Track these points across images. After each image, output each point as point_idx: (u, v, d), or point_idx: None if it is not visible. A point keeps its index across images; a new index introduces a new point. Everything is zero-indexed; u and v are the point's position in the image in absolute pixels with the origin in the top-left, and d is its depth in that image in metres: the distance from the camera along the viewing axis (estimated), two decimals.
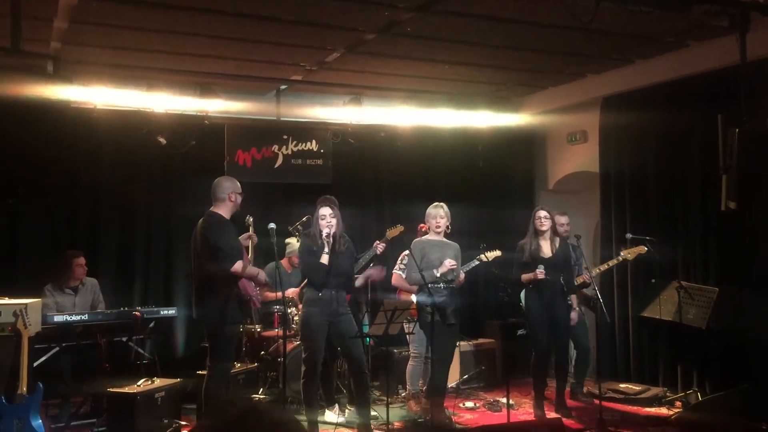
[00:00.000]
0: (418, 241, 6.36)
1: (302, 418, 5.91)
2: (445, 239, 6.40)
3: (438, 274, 6.10)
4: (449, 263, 6.15)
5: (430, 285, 5.91)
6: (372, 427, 5.86)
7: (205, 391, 5.38)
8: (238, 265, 5.31)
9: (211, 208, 5.52)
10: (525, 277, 6.44)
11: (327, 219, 5.75)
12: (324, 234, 5.70)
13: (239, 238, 5.68)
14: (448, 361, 6.42)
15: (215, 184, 5.59)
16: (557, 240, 6.56)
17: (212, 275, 5.32)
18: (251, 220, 6.31)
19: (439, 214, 6.36)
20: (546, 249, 6.51)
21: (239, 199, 5.56)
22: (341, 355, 6.12)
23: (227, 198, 5.50)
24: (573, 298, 6.84)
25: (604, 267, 6.90)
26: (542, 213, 6.56)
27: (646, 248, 6.70)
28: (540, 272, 6.31)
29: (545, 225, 6.49)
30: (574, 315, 6.79)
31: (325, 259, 5.67)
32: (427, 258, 6.16)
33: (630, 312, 7.54)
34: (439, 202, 6.48)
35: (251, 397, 5.62)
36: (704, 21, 5.97)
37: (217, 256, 5.30)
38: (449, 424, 6.07)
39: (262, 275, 5.67)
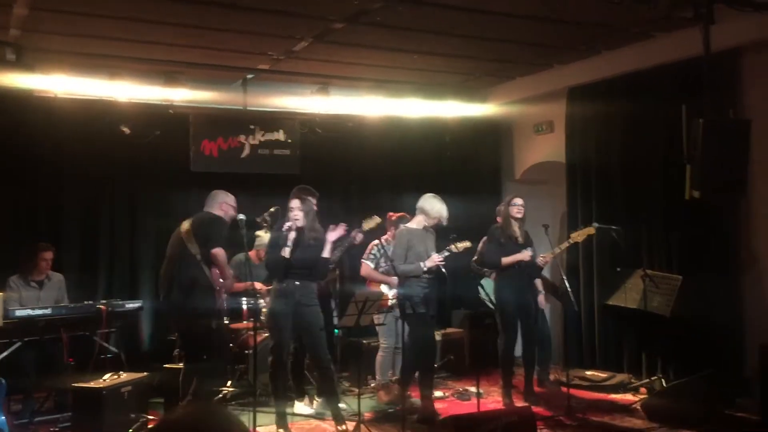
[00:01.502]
0: (405, 231, 6.25)
1: (271, 410, 5.88)
2: (425, 229, 6.36)
3: (425, 268, 6.08)
4: (437, 258, 6.14)
5: (418, 277, 5.96)
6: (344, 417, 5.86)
7: (180, 387, 5.37)
8: (220, 251, 5.47)
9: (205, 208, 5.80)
10: (506, 260, 6.44)
11: (294, 212, 5.71)
12: (285, 227, 5.67)
13: None
14: (431, 350, 6.42)
15: (210, 196, 5.92)
16: (522, 227, 6.64)
17: (192, 268, 5.39)
18: (243, 218, 5.75)
19: (444, 215, 6.24)
20: (518, 233, 6.58)
21: (231, 211, 5.83)
22: (307, 351, 6.07)
23: (219, 207, 5.82)
24: (538, 283, 6.97)
25: (556, 250, 6.97)
26: (519, 201, 6.62)
27: (594, 230, 6.78)
28: (527, 253, 6.36)
29: (522, 212, 6.56)
30: (542, 298, 6.95)
31: (286, 252, 5.61)
32: (414, 249, 6.11)
33: (596, 300, 7.64)
34: (426, 192, 6.39)
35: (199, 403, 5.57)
36: (670, 12, 6.04)
37: (206, 239, 5.53)
38: (436, 415, 6.04)
39: (232, 284, 5.99)
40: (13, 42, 6.03)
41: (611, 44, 7.13)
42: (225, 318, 6.81)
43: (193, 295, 5.49)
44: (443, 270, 6.32)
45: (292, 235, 5.64)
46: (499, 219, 6.82)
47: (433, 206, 6.27)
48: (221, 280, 5.76)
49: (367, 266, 6.75)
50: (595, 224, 6.93)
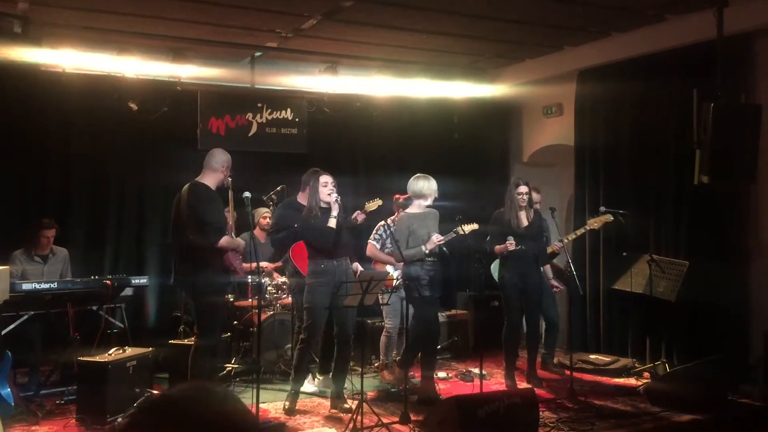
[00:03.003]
0: (405, 217, 6.20)
1: (274, 387, 5.92)
2: (425, 209, 6.33)
3: (427, 251, 6.06)
4: (437, 239, 6.12)
5: (420, 260, 5.96)
6: (345, 396, 5.89)
7: (190, 363, 5.36)
8: (224, 240, 5.26)
9: (198, 178, 5.38)
10: (498, 248, 6.45)
11: (329, 186, 5.76)
12: (334, 198, 5.71)
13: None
14: (435, 333, 6.43)
15: (211, 155, 5.47)
16: (532, 211, 6.58)
17: (197, 247, 5.25)
18: (249, 195, 5.47)
19: (434, 189, 6.22)
20: (523, 219, 6.51)
21: (228, 175, 5.49)
22: (336, 323, 6.06)
23: (220, 170, 5.40)
24: (547, 269, 6.88)
25: (571, 236, 6.94)
26: (523, 189, 6.45)
27: (612, 217, 6.74)
28: (510, 243, 6.32)
29: (525, 200, 6.48)
30: (555, 283, 6.93)
31: (332, 222, 5.68)
32: (415, 234, 6.09)
33: (601, 284, 7.62)
34: (418, 173, 6.33)
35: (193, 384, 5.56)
36: None
37: (205, 230, 5.20)
38: (436, 396, 6.07)
39: (242, 244, 5.69)
40: (20, 15, 6.00)
41: (622, 26, 7.06)
42: (228, 295, 6.83)
43: (187, 272, 5.44)
44: (445, 250, 6.32)
45: (337, 207, 5.71)
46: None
47: (423, 185, 6.19)
48: (238, 257, 5.67)
49: (372, 246, 6.75)
50: (603, 208, 6.90)
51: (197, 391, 1.46)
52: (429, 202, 6.23)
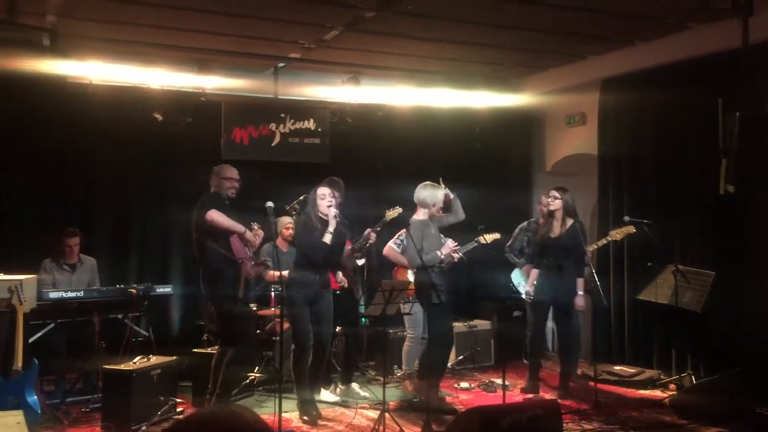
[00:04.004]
0: (418, 223, 6.19)
1: (294, 397, 5.94)
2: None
3: (442, 256, 6.06)
4: (452, 244, 6.12)
5: (434, 266, 5.95)
6: (362, 406, 5.90)
7: (212, 372, 5.45)
8: (214, 214, 5.47)
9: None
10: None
11: (327, 199, 5.77)
12: (332, 214, 5.75)
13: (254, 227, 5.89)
14: (450, 342, 6.42)
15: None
16: (568, 221, 6.52)
17: (201, 240, 5.40)
18: (272, 205, 5.44)
19: (439, 198, 6.21)
20: (555, 229, 6.50)
21: (225, 184, 5.81)
22: (312, 331, 6.09)
23: (211, 181, 5.87)
24: (580, 283, 6.57)
25: (593, 247, 6.88)
26: (553, 192, 6.55)
27: (634, 228, 6.67)
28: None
29: (552, 204, 6.49)
30: (580, 301, 6.53)
31: (327, 238, 5.72)
32: (429, 240, 6.10)
33: (626, 295, 7.55)
34: (433, 182, 6.33)
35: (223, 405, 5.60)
36: (707, 3, 5.93)
37: (197, 214, 5.55)
38: (441, 405, 6.08)
39: (249, 234, 5.77)
40: (48, 28, 6.10)
41: (646, 35, 7.02)
42: (250, 304, 6.89)
43: (211, 280, 5.55)
44: (463, 256, 6.31)
45: (334, 222, 5.73)
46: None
47: (430, 195, 6.16)
48: (246, 250, 5.75)
49: (390, 248, 6.77)
50: (627, 218, 6.85)
51: (226, 413, 1.48)
52: (434, 211, 6.19)
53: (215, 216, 5.46)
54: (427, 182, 6.27)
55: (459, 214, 6.30)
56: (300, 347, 5.79)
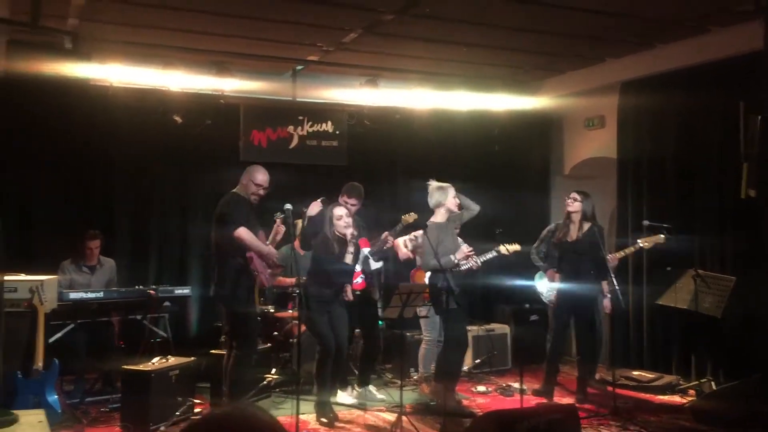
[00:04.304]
0: (434, 226, 6.18)
1: (313, 398, 5.95)
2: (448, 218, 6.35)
3: (456, 261, 6.05)
4: (467, 249, 6.12)
5: (450, 270, 5.94)
6: (378, 408, 5.89)
7: (228, 374, 5.46)
8: (242, 232, 5.40)
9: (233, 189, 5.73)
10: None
11: (344, 219, 5.82)
12: (349, 236, 5.84)
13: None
14: (464, 346, 6.42)
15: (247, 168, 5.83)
16: (586, 225, 6.49)
17: (221, 248, 5.40)
18: (290, 207, 5.57)
19: (450, 193, 6.24)
20: (573, 233, 6.48)
21: (251, 187, 5.69)
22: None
23: (244, 182, 5.72)
24: (604, 285, 6.56)
25: (620, 254, 6.82)
26: (573, 194, 6.54)
27: (664, 237, 6.59)
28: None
29: (571, 205, 6.46)
30: (607, 303, 6.55)
31: (349, 259, 5.87)
32: (443, 244, 6.09)
33: (644, 299, 7.49)
34: (448, 184, 6.32)
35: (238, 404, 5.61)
36: (728, 5, 5.88)
37: (221, 224, 5.48)
38: (458, 408, 6.07)
39: (273, 254, 5.72)
40: (70, 31, 6.16)
41: (666, 38, 6.97)
42: (267, 307, 6.92)
43: (218, 283, 5.57)
44: (478, 263, 6.30)
45: (352, 246, 5.88)
46: None
47: (443, 195, 6.20)
48: (264, 266, 5.75)
49: (398, 242, 6.79)
50: (646, 222, 6.81)
51: (242, 412, 1.49)
52: (450, 207, 6.22)
53: (244, 235, 5.42)
54: (430, 184, 6.30)
55: (471, 207, 6.33)
56: (323, 350, 5.82)
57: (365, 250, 6.47)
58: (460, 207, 6.32)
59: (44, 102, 5.75)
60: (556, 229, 6.66)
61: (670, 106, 7.27)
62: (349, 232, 5.82)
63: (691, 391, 6.69)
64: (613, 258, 6.54)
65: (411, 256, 6.80)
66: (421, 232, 6.63)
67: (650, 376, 7.10)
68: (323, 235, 5.90)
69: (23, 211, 7.12)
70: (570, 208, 6.52)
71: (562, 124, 9.09)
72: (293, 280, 6.69)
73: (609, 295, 6.55)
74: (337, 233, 5.86)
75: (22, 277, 5.53)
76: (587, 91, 8.28)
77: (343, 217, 5.86)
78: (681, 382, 6.94)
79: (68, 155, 7.16)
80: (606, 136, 8.26)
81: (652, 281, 7.40)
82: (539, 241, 6.90)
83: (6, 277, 5.16)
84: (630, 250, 6.69)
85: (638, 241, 6.66)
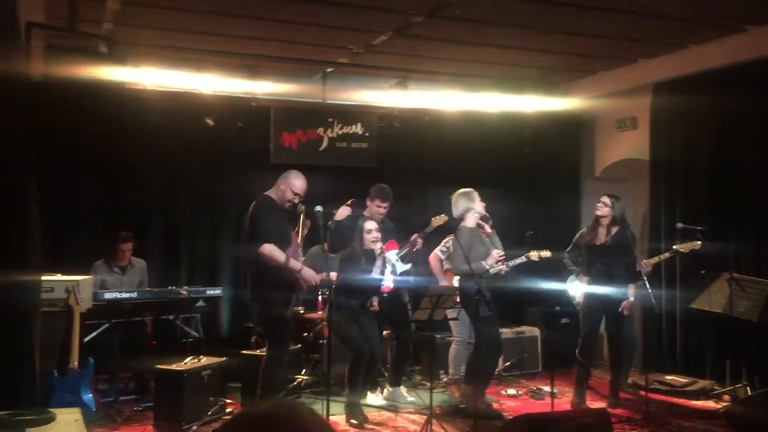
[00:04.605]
0: (465, 231, 6.16)
1: (343, 399, 5.97)
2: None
3: (487, 266, 6.04)
4: (498, 254, 6.10)
5: (480, 275, 5.93)
6: (408, 410, 5.90)
7: (261, 375, 5.50)
8: (267, 248, 5.32)
9: (266, 192, 5.67)
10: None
11: (373, 234, 5.85)
12: (378, 250, 5.92)
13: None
14: (498, 350, 6.40)
15: (285, 172, 5.75)
16: (614, 228, 6.42)
17: (253, 255, 5.41)
18: (303, 208, 6.14)
19: (475, 197, 6.25)
20: (601, 236, 6.41)
21: (288, 194, 5.60)
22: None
23: (281, 186, 5.63)
24: (630, 289, 6.48)
25: (655, 260, 6.71)
26: (603, 198, 6.46)
27: (700, 243, 6.49)
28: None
29: (600, 210, 6.40)
30: (626, 303, 6.45)
31: (377, 272, 5.93)
32: (476, 249, 6.07)
33: (678, 303, 7.38)
34: (468, 188, 6.34)
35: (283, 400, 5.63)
36: (763, 4, 5.78)
37: (251, 234, 5.42)
38: (488, 411, 6.05)
39: (308, 274, 5.54)
40: (106, 35, 6.27)
41: (699, 38, 6.87)
42: (297, 307, 6.94)
43: (254, 284, 5.56)
44: (508, 268, 6.28)
45: (381, 259, 5.97)
46: None
47: (471, 200, 6.23)
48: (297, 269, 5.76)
49: (434, 255, 6.78)
50: (680, 224, 6.71)
51: (282, 408, 1.49)
52: (479, 210, 6.24)
53: (267, 251, 5.32)
54: (459, 191, 6.33)
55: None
56: (357, 356, 5.86)
57: (393, 253, 6.47)
58: (488, 210, 6.30)
59: (80, 105, 5.84)
60: (582, 234, 6.59)
61: (704, 107, 7.16)
62: (378, 246, 5.86)
63: (726, 396, 6.58)
64: (647, 263, 6.46)
65: (440, 273, 6.80)
66: (451, 237, 6.64)
67: (684, 380, 7.01)
68: (351, 247, 5.94)
69: (58, 213, 7.23)
70: (599, 212, 6.44)
71: (593, 126, 9.01)
72: (323, 276, 6.66)
73: (632, 298, 6.49)
74: (365, 248, 5.90)
75: (59, 277, 5.63)
76: (619, 92, 8.19)
77: (372, 231, 5.91)
78: (715, 387, 6.84)
79: (102, 157, 7.26)
80: (638, 137, 8.17)
81: (685, 285, 7.28)
82: (572, 244, 6.81)
83: (43, 277, 5.25)
84: (665, 255, 6.60)
85: (674, 246, 6.56)
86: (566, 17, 6.20)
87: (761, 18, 6.20)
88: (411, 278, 6.69)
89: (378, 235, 5.92)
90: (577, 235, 6.75)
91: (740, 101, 6.80)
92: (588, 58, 7.65)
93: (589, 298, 6.39)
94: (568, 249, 6.78)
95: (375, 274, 5.89)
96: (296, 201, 5.70)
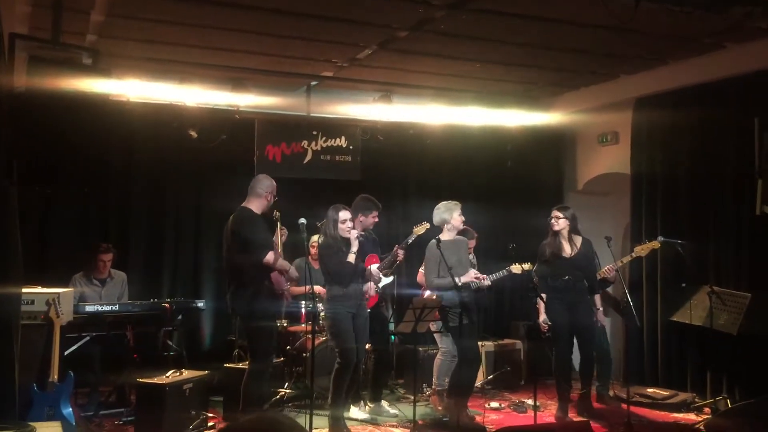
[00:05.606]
0: (433, 244, 6.10)
1: (326, 413, 5.94)
2: (456, 236, 6.36)
3: (460, 284, 6.01)
4: (474, 274, 6.14)
5: (454, 288, 5.93)
6: (391, 424, 5.88)
7: (243, 388, 5.46)
8: (270, 256, 5.42)
9: (244, 203, 5.63)
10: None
11: (348, 223, 5.89)
12: (354, 236, 5.84)
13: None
14: (477, 362, 6.42)
15: (256, 180, 5.74)
16: (579, 239, 6.47)
17: (244, 268, 5.39)
18: (278, 215, 6.36)
19: (456, 215, 6.29)
20: (566, 248, 6.44)
21: (271, 199, 5.72)
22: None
23: (264, 196, 5.64)
24: (597, 299, 6.75)
25: (618, 264, 6.77)
26: (555, 212, 6.49)
27: (659, 244, 6.61)
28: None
29: (557, 224, 6.43)
30: (600, 315, 6.58)
31: (351, 258, 5.80)
32: (449, 262, 6.03)
33: (659, 316, 7.44)
34: (454, 201, 6.39)
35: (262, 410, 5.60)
36: (743, 22, 5.88)
37: (249, 249, 5.41)
38: (471, 424, 6.05)
39: (293, 271, 5.76)
40: (90, 47, 6.25)
41: (680, 55, 6.97)
42: (279, 320, 6.92)
43: (238, 296, 5.55)
44: (485, 283, 6.31)
45: (356, 243, 5.82)
46: None
47: (449, 213, 6.27)
48: (285, 282, 5.80)
49: (421, 274, 6.78)
50: (661, 238, 6.78)
51: (265, 421, 1.49)
52: (458, 225, 6.28)
53: (272, 259, 5.43)
54: (440, 204, 6.39)
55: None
56: (345, 362, 5.80)
57: (375, 266, 6.47)
58: (469, 224, 6.34)
59: (63, 117, 5.80)
60: (544, 248, 6.55)
61: (685, 122, 7.26)
62: (354, 235, 5.85)
63: (707, 409, 6.63)
64: (610, 269, 6.54)
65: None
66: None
67: (665, 393, 7.05)
68: (330, 238, 5.91)
69: (38, 224, 7.17)
70: (557, 227, 6.44)
71: (575, 140, 9.10)
72: (307, 288, 6.66)
73: (600, 308, 6.62)
74: (340, 235, 5.87)
75: (39, 289, 5.56)
76: (601, 107, 8.28)
77: (347, 221, 5.88)
78: (696, 399, 6.88)
79: (84, 169, 7.20)
80: (620, 152, 8.26)
81: (666, 297, 7.36)
82: (539, 260, 6.75)
83: (23, 290, 5.19)
84: (626, 259, 6.72)
85: (634, 249, 6.68)
86: (549, 33, 6.27)
87: (740, 36, 6.30)
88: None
89: (352, 224, 5.92)
90: (541, 250, 6.67)
91: (720, 116, 6.91)
92: (570, 73, 7.73)
93: (558, 311, 6.38)
94: (536, 267, 6.71)
95: (351, 260, 5.82)
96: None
